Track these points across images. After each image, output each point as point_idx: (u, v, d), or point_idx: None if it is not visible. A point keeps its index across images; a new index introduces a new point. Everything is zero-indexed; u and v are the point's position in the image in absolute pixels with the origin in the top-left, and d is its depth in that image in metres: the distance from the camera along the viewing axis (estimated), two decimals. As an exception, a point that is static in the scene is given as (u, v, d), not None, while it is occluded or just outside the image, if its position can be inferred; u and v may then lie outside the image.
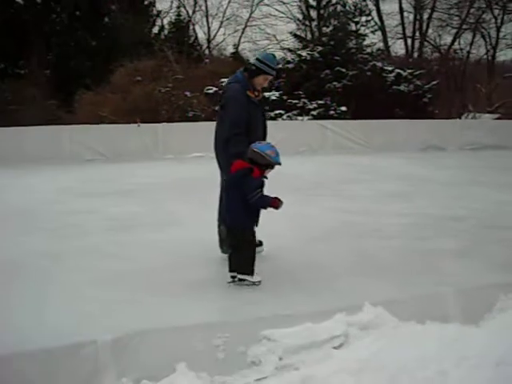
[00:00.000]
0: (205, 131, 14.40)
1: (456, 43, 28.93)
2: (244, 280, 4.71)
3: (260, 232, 6.22)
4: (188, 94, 17.78)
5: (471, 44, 29.50)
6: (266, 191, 4.76)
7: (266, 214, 7.42)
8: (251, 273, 4.72)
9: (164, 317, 3.95)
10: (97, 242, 6.19)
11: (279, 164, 4.68)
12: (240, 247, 4.73)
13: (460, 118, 20.91)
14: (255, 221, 4.84)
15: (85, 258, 5.58)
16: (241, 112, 5.00)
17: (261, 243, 5.50)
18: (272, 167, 4.69)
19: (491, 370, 3.53)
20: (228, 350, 3.59)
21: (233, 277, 4.74)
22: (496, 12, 28.42)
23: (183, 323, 3.78)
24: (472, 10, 27.27)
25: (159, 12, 28.96)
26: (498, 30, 29.67)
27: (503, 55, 33.37)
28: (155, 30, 28.58)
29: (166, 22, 29.78)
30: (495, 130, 17.30)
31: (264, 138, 5.22)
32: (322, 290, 4.59)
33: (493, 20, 29.16)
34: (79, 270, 5.13)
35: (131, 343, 3.51)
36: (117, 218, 7.29)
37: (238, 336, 3.64)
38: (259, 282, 4.73)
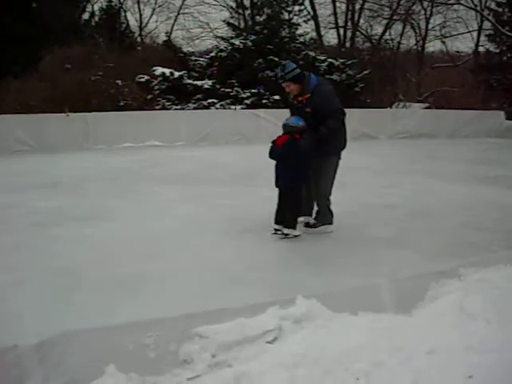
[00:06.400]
0: (136, 120, 14.45)
1: (387, 34, 29.53)
2: (288, 234, 5.75)
3: (194, 224, 6.15)
4: (119, 82, 17.41)
5: (401, 35, 30.18)
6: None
7: (199, 205, 7.34)
8: (294, 227, 5.79)
9: (92, 316, 3.80)
10: (21, 238, 5.94)
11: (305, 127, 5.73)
12: (289, 206, 5.73)
13: (391, 107, 21.32)
14: (303, 182, 5.83)
15: (7, 255, 5.32)
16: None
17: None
18: (305, 131, 5.72)
19: (424, 359, 3.55)
20: (159, 348, 3.47)
21: (276, 229, 5.83)
22: (425, 4, 29.09)
23: (112, 322, 3.63)
24: (402, 2, 27.81)
25: (89, -3, 28.25)
26: (427, 21, 30.45)
27: (432, 46, 34.31)
28: (85, 16, 27.90)
29: (96, 8, 29.11)
30: (425, 119, 17.74)
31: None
32: (253, 283, 4.52)
33: (422, 12, 29.87)
34: (1, 269, 4.88)
35: (57, 346, 3.32)
36: (43, 213, 7.02)
37: (169, 334, 3.52)
38: (299, 234, 5.82)
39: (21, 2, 22.83)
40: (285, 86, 5.92)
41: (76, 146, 13.59)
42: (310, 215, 6.32)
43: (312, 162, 5.84)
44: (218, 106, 18.02)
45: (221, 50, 19.63)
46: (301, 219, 6.11)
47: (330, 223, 6.26)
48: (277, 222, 5.85)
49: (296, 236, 5.79)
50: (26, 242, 5.80)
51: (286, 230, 5.77)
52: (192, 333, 3.55)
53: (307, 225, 6.22)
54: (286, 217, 5.77)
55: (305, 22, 27.39)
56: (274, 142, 5.80)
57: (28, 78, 17.99)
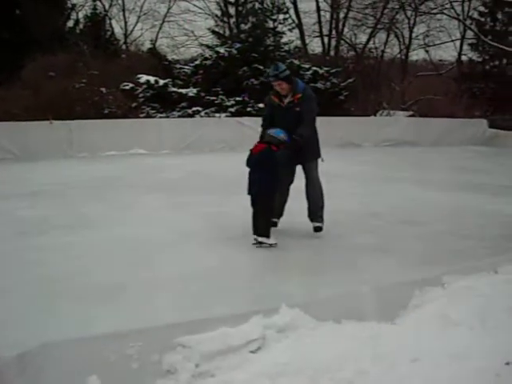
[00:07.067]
0: (121, 128, 14.39)
1: (371, 42, 29.72)
2: (262, 243, 5.76)
3: (179, 233, 6.13)
4: (104, 90, 17.35)
5: (385, 43, 30.37)
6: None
7: (183, 213, 7.30)
8: (268, 236, 5.79)
9: (74, 326, 3.76)
10: (6, 246, 5.90)
11: (288, 141, 5.90)
12: (262, 212, 5.79)
13: (375, 115, 21.42)
14: (276, 191, 5.95)
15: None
16: (266, 110, 6.63)
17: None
18: (283, 144, 5.88)
19: (408, 368, 3.54)
20: (142, 359, 3.42)
21: (256, 239, 5.81)
22: (409, 13, 29.31)
23: (94, 332, 3.58)
24: (386, 11, 27.99)
25: (74, 5, 28.12)
26: (411, 30, 30.66)
27: (415, 55, 34.58)
28: (70, 23, 27.71)
29: (81, 15, 29.00)
30: (409, 127, 17.84)
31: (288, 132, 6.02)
32: (237, 292, 4.51)
33: (406, 21, 30.08)
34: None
35: (37, 357, 3.26)
36: (28, 221, 6.99)
37: (152, 344, 3.47)
38: (275, 244, 5.81)
39: (4, 9, 22.70)
40: (276, 84, 6.13)
41: (60, 153, 13.51)
42: (278, 219, 6.61)
43: (287, 174, 6.20)
44: (202, 114, 18.00)
45: (206, 58, 19.62)
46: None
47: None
48: (256, 232, 5.87)
49: (271, 245, 5.81)
50: (10, 250, 5.75)
51: (260, 239, 5.80)
52: (175, 343, 3.51)
53: (319, 229, 6.38)
54: (259, 225, 5.82)
55: (289, 30, 27.56)
56: (251, 151, 5.93)
57: (11, 85, 17.85)
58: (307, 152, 6.22)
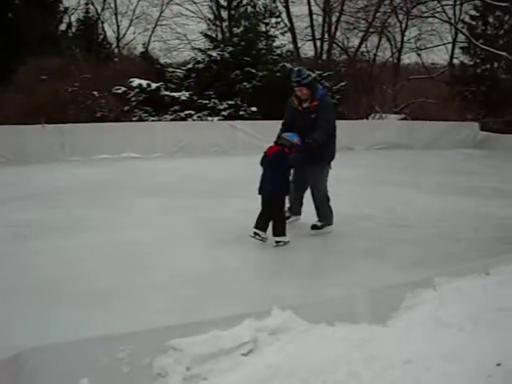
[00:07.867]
0: (113, 132, 14.35)
1: (363, 46, 29.68)
2: (279, 242, 6.00)
3: (172, 236, 6.11)
4: (96, 93, 17.31)
5: (377, 47, 30.33)
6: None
7: (176, 217, 7.29)
8: (284, 233, 6.05)
9: (66, 330, 3.76)
10: (-2, 250, 5.86)
11: (301, 146, 6.14)
12: (275, 214, 6.02)
13: (367, 118, 21.44)
14: (287, 192, 6.23)
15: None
16: (286, 112, 6.68)
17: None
18: (296, 148, 6.09)
19: (400, 369, 3.53)
20: (133, 362, 3.40)
21: (255, 233, 6.00)
22: (400, 17, 29.36)
23: (85, 336, 3.56)
24: (378, 15, 28.00)
25: (66, 8, 27.94)
26: (403, 34, 30.70)
27: (407, 58, 34.66)
28: (62, 27, 27.62)
29: (73, 19, 28.89)
30: (401, 130, 17.86)
31: (303, 136, 6.24)
32: (229, 295, 4.52)
33: (398, 24, 30.13)
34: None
35: (28, 362, 3.25)
36: (21, 225, 6.95)
37: (143, 347, 3.46)
38: (289, 241, 6.05)
39: (-4, 12, 22.66)
40: (298, 90, 6.38)
41: (52, 157, 13.44)
42: (299, 214, 7.08)
43: (301, 175, 6.53)
44: (195, 117, 17.98)
45: (198, 62, 19.60)
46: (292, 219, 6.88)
47: (331, 224, 6.72)
48: (257, 226, 6.00)
49: (286, 243, 6.03)
50: (3, 254, 5.72)
51: (277, 239, 6.01)
52: (166, 346, 3.50)
53: (315, 227, 6.61)
54: (274, 226, 6.04)
55: (282, 34, 27.47)
56: (265, 152, 6.13)
57: (3, 89, 17.79)
58: (315, 156, 6.34)
